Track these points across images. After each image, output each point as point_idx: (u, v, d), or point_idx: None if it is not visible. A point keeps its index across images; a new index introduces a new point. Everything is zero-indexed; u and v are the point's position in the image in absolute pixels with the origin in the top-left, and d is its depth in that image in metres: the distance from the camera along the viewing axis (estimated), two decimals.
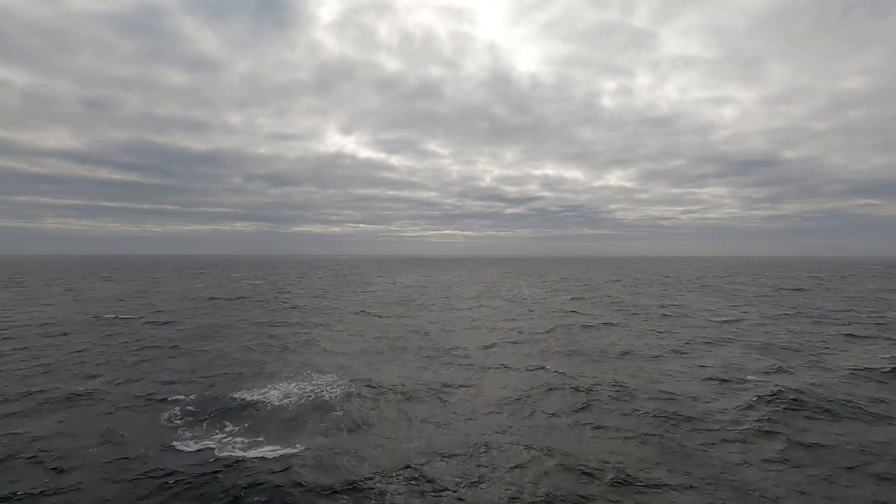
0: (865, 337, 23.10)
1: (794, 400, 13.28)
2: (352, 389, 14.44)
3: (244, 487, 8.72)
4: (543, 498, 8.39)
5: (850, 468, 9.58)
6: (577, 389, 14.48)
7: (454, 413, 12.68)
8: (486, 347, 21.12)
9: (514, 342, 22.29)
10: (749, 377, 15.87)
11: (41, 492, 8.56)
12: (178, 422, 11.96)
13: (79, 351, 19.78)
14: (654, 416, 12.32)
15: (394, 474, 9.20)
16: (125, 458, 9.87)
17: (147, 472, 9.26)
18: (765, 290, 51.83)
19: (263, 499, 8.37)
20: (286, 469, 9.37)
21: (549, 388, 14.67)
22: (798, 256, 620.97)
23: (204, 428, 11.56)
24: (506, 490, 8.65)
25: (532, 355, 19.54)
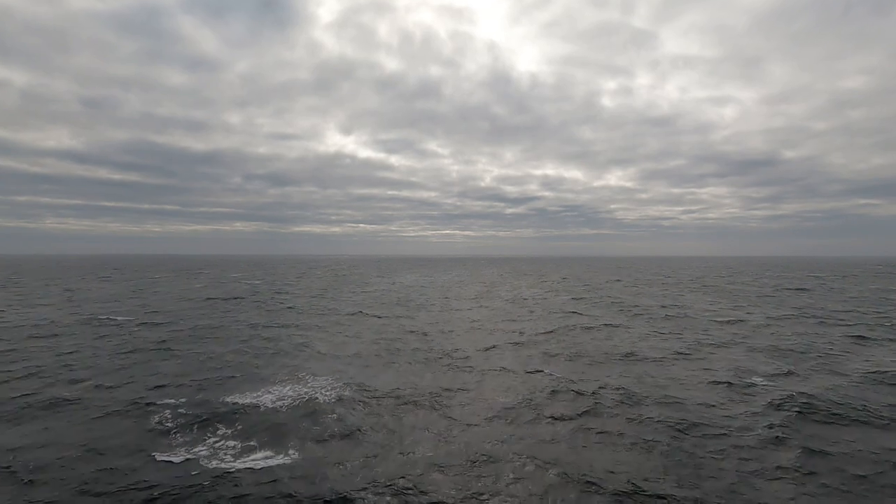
0: (873, 339, 22.60)
1: (805, 405, 12.82)
2: (346, 394, 13.98)
3: (230, 499, 8.30)
4: None
5: (865, 476, 9.16)
6: (580, 394, 14.03)
7: (452, 420, 12.21)
8: (486, 350, 20.63)
9: (515, 344, 21.82)
10: (757, 381, 15.40)
11: None
12: (167, 426, 11.51)
13: (68, 353, 19.31)
14: (660, 422, 11.85)
15: (387, 485, 8.73)
16: (107, 468, 9.39)
17: (129, 484, 8.78)
18: (766, 291, 51.37)
19: None
20: (275, 480, 8.92)
21: (552, 393, 14.21)
22: (798, 256, 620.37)
23: (193, 434, 11.11)
24: None
25: (533, 358, 19.07)
